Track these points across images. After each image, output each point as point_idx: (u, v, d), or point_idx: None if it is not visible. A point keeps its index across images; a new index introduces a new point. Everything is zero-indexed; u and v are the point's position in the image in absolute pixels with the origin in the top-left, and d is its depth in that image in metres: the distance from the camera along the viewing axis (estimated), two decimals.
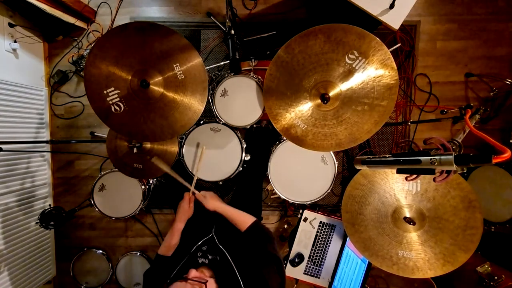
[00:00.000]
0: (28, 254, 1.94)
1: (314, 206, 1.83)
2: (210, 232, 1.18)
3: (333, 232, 1.73)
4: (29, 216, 1.95)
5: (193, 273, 0.91)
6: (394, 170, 0.93)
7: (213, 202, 1.23)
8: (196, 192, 1.26)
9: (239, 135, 1.51)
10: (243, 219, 1.15)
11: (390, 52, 1.06)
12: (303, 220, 1.74)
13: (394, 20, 1.34)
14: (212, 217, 1.24)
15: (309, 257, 1.73)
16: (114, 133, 1.48)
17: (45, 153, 2.09)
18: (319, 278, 1.73)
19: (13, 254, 1.84)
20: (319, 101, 1.14)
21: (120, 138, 1.48)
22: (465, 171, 0.78)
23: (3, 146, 1.44)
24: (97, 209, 1.64)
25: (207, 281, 0.89)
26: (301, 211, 1.75)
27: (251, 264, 0.99)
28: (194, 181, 1.34)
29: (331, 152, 1.50)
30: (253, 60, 1.52)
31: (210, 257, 1.07)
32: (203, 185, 2.03)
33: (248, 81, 1.43)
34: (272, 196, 2.10)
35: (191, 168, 1.51)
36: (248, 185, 1.61)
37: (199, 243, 1.14)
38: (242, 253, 1.05)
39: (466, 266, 1.22)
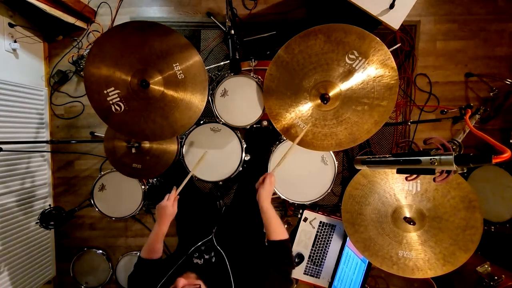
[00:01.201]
0: (28, 254, 1.94)
1: (314, 206, 1.83)
2: (210, 234, 1.17)
3: (333, 232, 1.73)
4: (29, 216, 1.95)
5: (181, 282, 0.85)
6: (394, 170, 0.93)
7: (265, 196, 1.08)
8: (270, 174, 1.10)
9: (239, 135, 1.51)
10: (279, 230, 1.04)
11: (390, 52, 1.06)
12: (303, 220, 1.74)
13: (394, 20, 1.34)
14: (214, 219, 1.21)
15: (309, 257, 1.73)
16: (111, 133, 1.48)
17: (45, 153, 2.09)
18: (319, 278, 1.73)
19: (13, 254, 1.84)
20: (319, 101, 1.14)
21: (118, 138, 1.47)
22: (465, 171, 0.78)
23: (3, 146, 1.44)
24: (97, 209, 1.64)
25: (200, 285, 0.86)
26: (301, 211, 1.75)
27: (255, 272, 0.93)
28: (186, 179, 1.23)
29: (331, 152, 1.50)
30: (253, 60, 1.52)
31: (206, 256, 1.05)
32: (201, 188, 2.03)
33: (248, 81, 1.43)
34: (272, 196, 2.09)
35: (191, 168, 1.51)
36: (250, 185, 1.60)
37: (198, 244, 1.13)
38: (240, 256, 1.02)
39: (466, 266, 1.22)
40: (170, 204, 1.13)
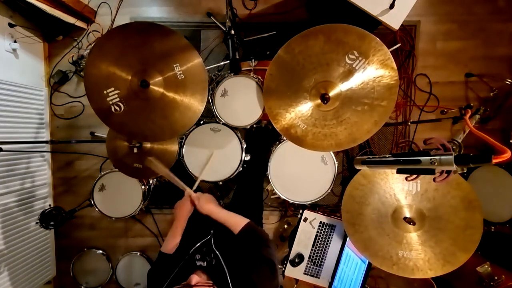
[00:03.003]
0: (28, 254, 1.94)
1: (314, 206, 1.83)
2: (208, 234, 1.17)
3: (333, 232, 1.73)
4: (29, 216, 1.95)
5: (195, 278, 0.88)
6: (394, 170, 0.92)
7: (206, 206, 1.17)
8: (192, 193, 1.20)
9: (239, 135, 1.51)
10: (236, 222, 1.11)
11: (390, 52, 1.06)
12: (303, 220, 1.74)
13: (394, 20, 1.34)
14: (211, 218, 1.22)
15: (309, 257, 1.73)
16: (114, 133, 1.48)
17: (45, 153, 2.09)
18: (319, 278, 1.73)
19: (13, 254, 1.84)
20: (319, 101, 1.14)
21: (120, 138, 1.47)
22: (465, 171, 0.77)
23: (3, 146, 1.44)
24: (97, 209, 1.64)
25: (212, 283, 0.89)
26: (301, 211, 1.75)
27: (243, 268, 0.97)
28: (197, 182, 1.33)
29: (331, 152, 1.50)
30: (253, 60, 1.52)
31: (208, 259, 1.07)
32: (201, 187, 2.03)
33: (248, 81, 1.43)
34: (272, 196, 2.10)
35: (191, 168, 1.51)
36: (249, 185, 1.61)
37: (198, 244, 1.13)
38: (236, 257, 1.02)
39: (466, 266, 1.22)
40: (188, 202, 1.23)
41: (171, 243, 1.19)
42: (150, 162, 1.29)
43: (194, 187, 1.30)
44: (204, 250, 1.10)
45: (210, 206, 1.18)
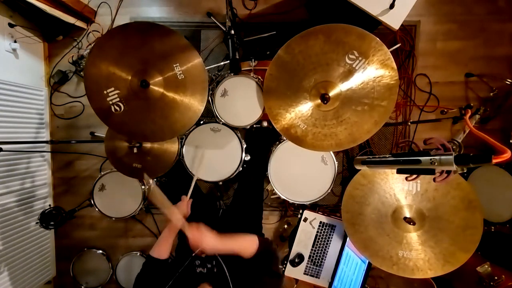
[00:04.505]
0: (28, 254, 1.94)
1: (314, 206, 1.83)
2: None
3: (333, 232, 1.73)
4: (29, 216, 1.95)
5: None
6: (394, 170, 0.93)
7: (210, 246, 0.98)
8: (189, 231, 1.01)
9: (239, 135, 1.51)
10: (244, 247, 1.02)
11: (390, 52, 1.06)
12: (303, 220, 1.74)
13: (394, 20, 1.34)
14: (213, 223, 1.20)
15: (309, 257, 1.73)
16: (112, 133, 1.48)
17: (45, 153, 2.09)
18: (319, 278, 1.73)
19: (13, 254, 1.84)
20: (319, 101, 1.14)
21: (119, 138, 1.47)
22: (465, 171, 0.78)
23: (3, 146, 1.44)
24: (97, 209, 1.64)
25: None
26: (301, 211, 1.75)
27: (249, 280, 0.95)
28: (192, 184, 1.28)
29: (331, 152, 1.50)
30: (253, 60, 1.52)
31: (208, 266, 1.05)
32: (200, 188, 2.03)
33: (248, 81, 1.43)
34: (272, 196, 2.10)
35: (191, 168, 1.51)
36: (249, 185, 1.61)
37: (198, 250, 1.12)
38: (240, 267, 1.00)
39: (466, 266, 1.22)
40: (184, 205, 1.20)
41: (163, 248, 1.12)
42: (153, 193, 1.15)
43: (190, 191, 1.25)
44: (205, 256, 1.09)
45: (213, 244, 1.00)
